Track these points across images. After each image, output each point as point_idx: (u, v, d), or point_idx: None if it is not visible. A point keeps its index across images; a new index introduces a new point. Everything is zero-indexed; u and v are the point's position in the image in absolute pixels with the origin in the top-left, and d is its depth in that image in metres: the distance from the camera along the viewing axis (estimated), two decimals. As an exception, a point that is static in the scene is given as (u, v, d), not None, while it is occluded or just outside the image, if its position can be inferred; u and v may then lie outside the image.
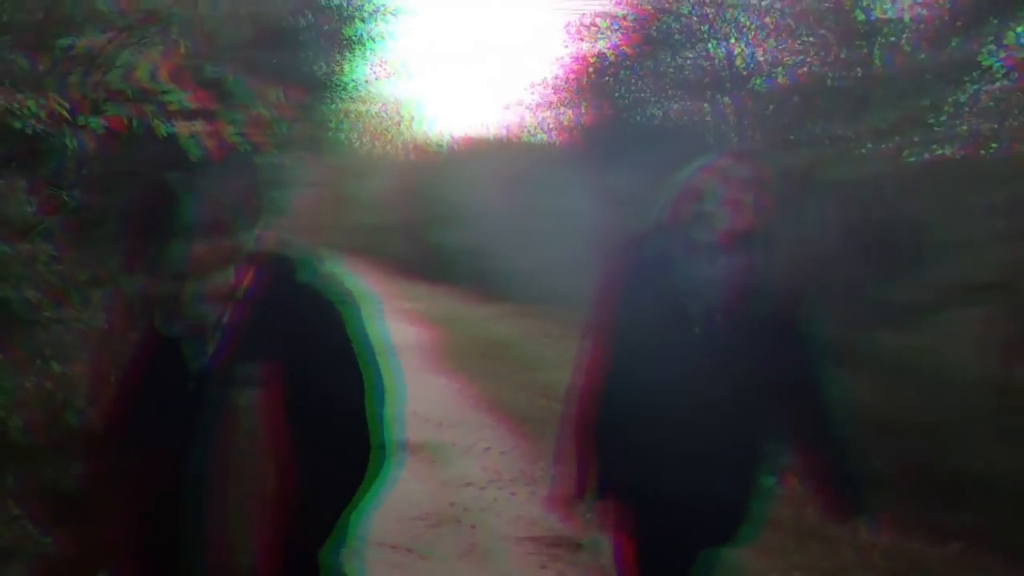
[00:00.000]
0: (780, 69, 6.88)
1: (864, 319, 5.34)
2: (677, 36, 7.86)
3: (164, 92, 4.64)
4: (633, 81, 8.55)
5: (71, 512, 1.75)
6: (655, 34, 8.07)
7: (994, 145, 5.41)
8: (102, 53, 4.42)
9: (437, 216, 19.28)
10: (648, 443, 2.39)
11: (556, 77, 10.04)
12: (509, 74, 38.96)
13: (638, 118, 8.44)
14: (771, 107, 6.79)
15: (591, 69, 9.11)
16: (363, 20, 6.73)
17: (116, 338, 1.85)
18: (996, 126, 5.39)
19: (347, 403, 1.84)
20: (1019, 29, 5.39)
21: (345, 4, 6.52)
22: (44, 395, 3.90)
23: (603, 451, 2.51)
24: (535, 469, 6.02)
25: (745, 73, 7.22)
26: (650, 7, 8.11)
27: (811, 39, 6.57)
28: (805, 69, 6.55)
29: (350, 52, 6.95)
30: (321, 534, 1.84)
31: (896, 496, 4.90)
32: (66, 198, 4.61)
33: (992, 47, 5.43)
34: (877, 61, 5.99)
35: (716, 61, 7.54)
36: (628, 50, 8.48)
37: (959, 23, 5.47)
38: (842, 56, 6.19)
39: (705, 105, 7.66)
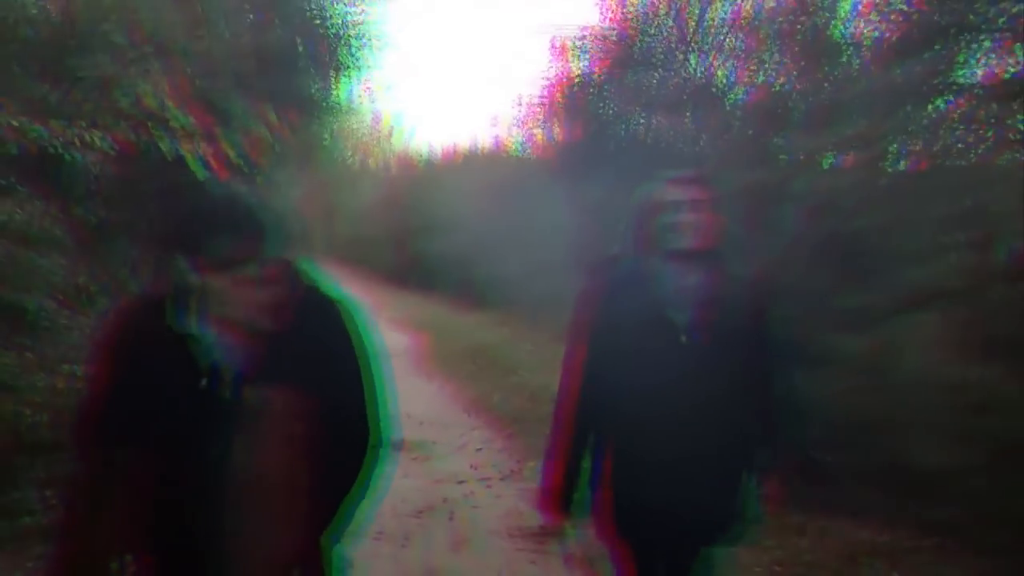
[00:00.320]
0: (748, 88, 7.19)
1: (829, 324, 5.53)
2: (654, 56, 8.14)
3: (170, 115, 4.90)
4: (611, 98, 8.78)
5: (87, 501, 1.84)
6: (635, 54, 8.32)
7: (950, 160, 5.66)
8: (113, 80, 4.65)
9: (424, 227, 19.37)
10: (635, 448, 2.47)
11: (538, 94, 10.26)
12: (493, 91, 39.10)
13: (618, 133, 8.67)
14: (740, 123, 7.08)
15: (572, 87, 9.35)
16: (354, 44, 6.94)
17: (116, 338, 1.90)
18: (957, 142, 5.62)
19: (353, 402, 1.96)
20: (976, 47, 5.68)
21: (341, 31, 6.72)
22: (61, 394, 4.14)
23: (590, 453, 2.57)
24: (522, 467, 6.24)
25: (717, 92, 7.52)
26: (630, 28, 8.37)
27: (783, 59, 6.87)
28: (776, 87, 6.85)
29: (342, 74, 7.16)
30: (324, 524, 1.93)
31: (871, 492, 5.05)
32: (79, 213, 4.86)
33: (948, 67, 5.71)
34: (841, 78, 6.26)
35: (693, 79, 7.82)
36: (607, 68, 8.72)
37: (917, 44, 5.74)
38: (810, 74, 6.48)
39: (686, 119, 7.89)
